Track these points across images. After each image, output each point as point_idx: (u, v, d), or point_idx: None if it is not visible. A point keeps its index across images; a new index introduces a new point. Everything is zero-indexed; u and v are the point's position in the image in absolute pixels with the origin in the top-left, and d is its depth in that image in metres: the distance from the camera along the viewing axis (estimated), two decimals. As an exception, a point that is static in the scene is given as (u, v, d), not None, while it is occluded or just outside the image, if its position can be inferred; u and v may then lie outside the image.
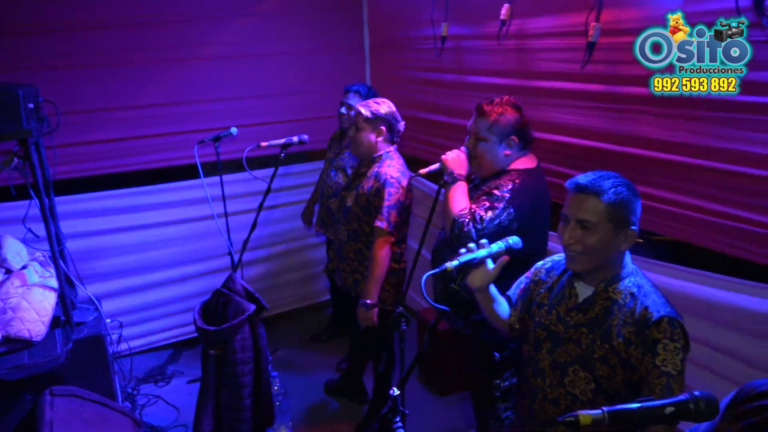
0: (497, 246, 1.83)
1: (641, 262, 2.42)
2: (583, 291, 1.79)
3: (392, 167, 3.01)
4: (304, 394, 3.81)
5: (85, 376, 2.98)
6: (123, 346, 3.70)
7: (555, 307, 1.85)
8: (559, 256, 1.94)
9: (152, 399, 3.77)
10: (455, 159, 2.45)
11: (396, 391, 1.69)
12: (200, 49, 3.93)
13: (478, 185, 2.55)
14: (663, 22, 2.11)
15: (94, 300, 3.22)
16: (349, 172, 3.53)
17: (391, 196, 2.92)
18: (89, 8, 3.54)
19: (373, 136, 3.02)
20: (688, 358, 1.68)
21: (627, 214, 1.68)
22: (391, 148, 3.09)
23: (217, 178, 3.43)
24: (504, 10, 2.85)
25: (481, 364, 2.61)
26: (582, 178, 1.73)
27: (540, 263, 2.02)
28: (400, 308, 2.23)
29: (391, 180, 2.94)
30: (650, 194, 2.32)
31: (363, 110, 3.00)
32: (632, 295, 1.71)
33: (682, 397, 1.02)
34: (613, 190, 1.67)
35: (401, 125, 3.09)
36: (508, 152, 2.42)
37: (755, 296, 2.01)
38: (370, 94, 3.64)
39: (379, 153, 3.05)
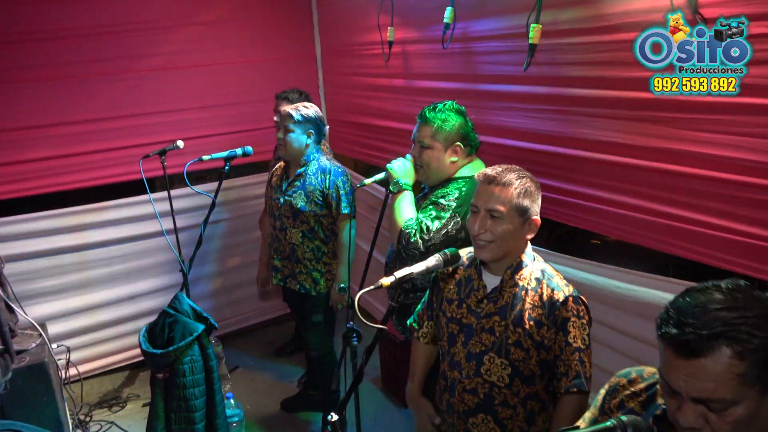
0: (435, 260, 1.78)
1: (593, 267, 2.41)
2: (491, 281, 1.87)
3: (330, 161, 3.21)
4: (263, 411, 3.71)
5: (28, 406, 2.87)
6: (72, 371, 3.57)
7: (465, 300, 1.91)
8: (462, 252, 1.97)
9: (105, 425, 3.64)
10: (400, 167, 2.40)
11: (333, 417, 1.60)
12: (141, 61, 3.81)
13: (426, 194, 2.50)
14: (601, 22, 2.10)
15: (37, 326, 3.09)
16: (273, 178, 3.49)
17: (345, 184, 3.13)
18: (22, 21, 3.39)
19: (303, 138, 3.13)
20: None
21: (531, 204, 1.80)
22: (318, 149, 3.22)
23: (165, 193, 3.32)
24: (447, 13, 2.80)
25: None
26: (490, 170, 1.84)
27: None
28: (350, 323, 2.17)
29: (338, 169, 3.15)
30: (596, 196, 2.29)
31: (293, 113, 3.10)
32: (537, 279, 1.82)
33: (607, 423, 0.97)
34: (519, 181, 1.79)
35: (326, 128, 3.25)
36: (454, 159, 2.38)
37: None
38: (301, 99, 3.62)
39: (308, 154, 3.17)
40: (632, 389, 1.28)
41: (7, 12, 3.35)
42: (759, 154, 1.73)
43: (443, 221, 2.26)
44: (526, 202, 1.79)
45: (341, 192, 3.10)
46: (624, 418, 0.97)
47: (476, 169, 2.42)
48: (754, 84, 1.70)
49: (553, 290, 1.78)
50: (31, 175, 3.59)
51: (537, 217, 1.83)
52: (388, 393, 3.77)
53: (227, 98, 4.15)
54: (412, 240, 2.25)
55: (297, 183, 3.17)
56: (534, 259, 1.88)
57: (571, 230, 3.57)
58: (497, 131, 2.69)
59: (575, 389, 1.73)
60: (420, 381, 2.21)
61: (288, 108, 3.14)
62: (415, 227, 2.26)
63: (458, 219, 2.26)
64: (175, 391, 2.75)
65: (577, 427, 0.97)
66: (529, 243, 1.88)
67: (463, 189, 2.32)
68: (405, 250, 2.28)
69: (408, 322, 2.23)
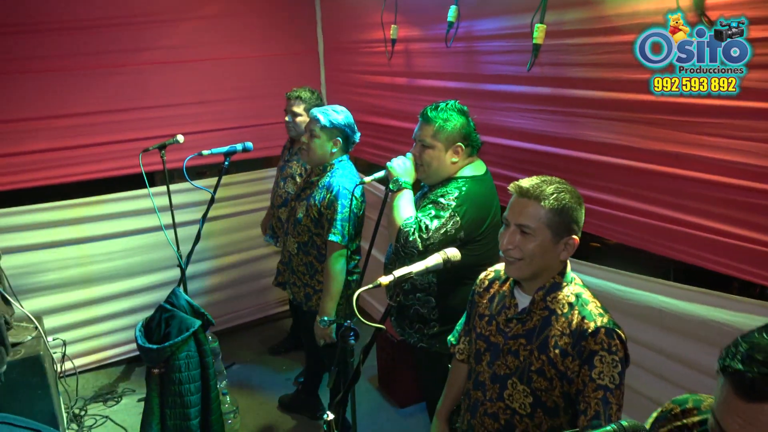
0: (435, 260, 1.75)
1: (594, 269, 2.39)
2: (522, 300, 1.73)
3: (345, 178, 2.87)
4: (258, 410, 3.69)
5: (23, 399, 2.87)
6: (68, 364, 3.56)
7: (495, 318, 1.78)
8: (501, 266, 1.87)
9: (100, 419, 3.62)
10: (400, 166, 2.38)
11: (329, 416, 1.59)
12: (144, 54, 3.78)
13: (426, 193, 2.48)
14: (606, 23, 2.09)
15: (33, 318, 3.07)
16: (298, 180, 3.40)
17: (344, 209, 2.78)
18: (22, 12, 3.37)
19: (328, 146, 2.88)
20: (628, 371, 1.62)
21: (568, 222, 1.63)
22: (344, 158, 2.97)
23: (164, 188, 3.31)
24: (451, 12, 2.79)
25: (436, 377, 2.54)
26: (525, 182, 1.67)
27: (483, 273, 1.95)
28: (348, 322, 2.16)
29: (344, 191, 2.80)
30: (598, 198, 2.28)
31: (321, 117, 2.85)
32: (570, 304, 1.65)
33: (607, 428, 0.95)
34: (554, 195, 1.61)
35: (358, 136, 2.96)
36: (454, 159, 2.36)
37: (705, 304, 1.98)
38: (313, 98, 3.50)
39: (331, 162, 2.93)
40: (684, 421, 1.17)
41: (8, 3, 3.33)
42: (761, 158, 1.72)
43: (442, 220, 2.24)
44: (561, 219, 1.62)
45: (337, 215, 2.78)
46: (624, 422, 0.95)
47: (477, 169, 2.41)
48: (756, 87, 1.69)
49: (584, 318, 1.61)
50: (30, 167, 3.57)
51: (576, 237, 1.66)
52: (384, 393, 3.76)
53: (228, 93, 4.12)
54: (411, 239, 2.23)
55: (307, 191, 2.98)
56: (572, 281, 1.71)
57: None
58: (499, 131, 2.68)
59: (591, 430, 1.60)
60: (449, 404, 2.09)
61: (317, 111, 2.88)
62: (414, 226, 2.24)
63: (457, 218, 2.24)
64: (171, 387, 2.73)
65: (577, 428, 0.95)
66: (568, 263, 1.73)
67: (463, 188, 2.30)
68: (403, 249, 2.26)
69: (449, 338, 2.10)
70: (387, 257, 2.61)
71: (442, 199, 2.28)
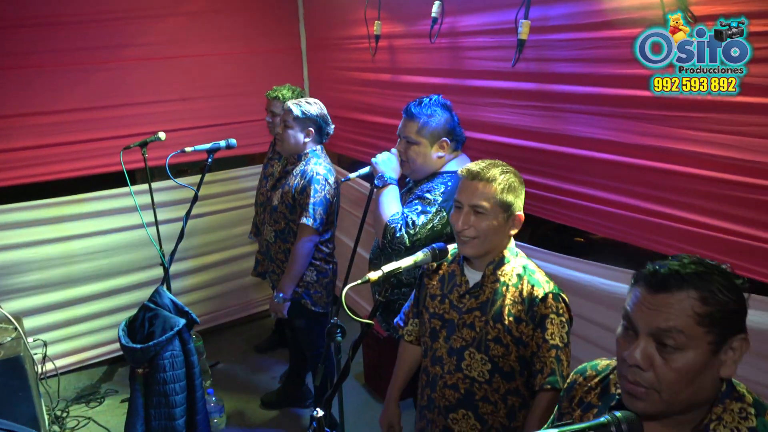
0: (423, 255, 1.76)
1: (579, 264, 2.41)
2: (473, 276, 1.86)
3: (319, 165, 2.99)
4: (244, 407, 3.67)
5: (3, 401, 2.84)
6: (49, 365, 3.50)
7: (447, 296, 1.90)
8: (449, 247, 1.96)
9: (83, 421, 3.58)
10: (385, 162, 2.38)
11: (318, 413, 1.58)
12: (124, 51, 3.72)
13: (411, 188, 2.48)
14: (591, 18, 2.10)
15: (12, 319, 3.02)
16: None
17: (317, 193, 2.91)
18: (1, 7, 3.30)
19: (301, 136, 2.99)
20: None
21: (515, 200, 1.79)
22: (318, 147, 3.07)
23: (146, 186, 3.27)
24: (435, 8, 2.78)
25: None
26: (474, 165, 1.82)
27: None
28: (334, 319, 2.15)
29: (318, 177, 2.93)
30: (584, 193, 2.29)
31: (294, 108, 2.96)
32: (518, 275, 1.81)
33: (601, 419, 0.96)
34: (503, 176, 1.78)
35: (331, 128, 3.08)
36: (440, 154, 2.36)
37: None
38: (293, 96, 3.49)
39: (306, 151, 3.03)
40: (588, 384, 1.31)
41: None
42: (755, 153, 1.72)
43: (429, 216, 2.24)
44: (510, 198, 1.78)
45: (309, 200, 2.89)
46: (618, 414, 0.96)
47: (463, 164, 2.40)
48: (753, 83, 1.70)
49: (533, 286, 1.78)
50: (10, 165, 3.49)
51: (521, 213, 1.82)
52: (371, 389, 3.76)
53: (210, 90, 4.08)
54: (398, 235, 2.23)
55: (282, 180, 3.10)
56: (516, 255, 1.87)
57: (555, 227, 3.58)
58: (485, 127, 2.68)
59: (549, 386, 1.74)
60: (400, 384, 2.21)
61: (290, 103, 3.00)
62: (401, 222, 2.24)
63: (444, 214, 2.25)
64: (156, 387, 2.70)
65: (569, 423, 0.95)
66: (512, 239, 1.88)
67: (449, 183, 2.30)
68: (390, 245, 2.26)
69: (395, 320, 2.20)
70: (372, 252, 2.60)
71: (428, 195, 2.28)
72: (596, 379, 1.31)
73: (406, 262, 1.73)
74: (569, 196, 2.36)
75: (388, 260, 1.85)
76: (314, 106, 2.99)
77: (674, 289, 1.03)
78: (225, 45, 4.09)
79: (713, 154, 1.82)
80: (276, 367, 4.07)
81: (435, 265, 1.97)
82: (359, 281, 1.66)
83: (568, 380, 1.38)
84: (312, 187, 2.90)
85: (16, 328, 3.00)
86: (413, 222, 2.23)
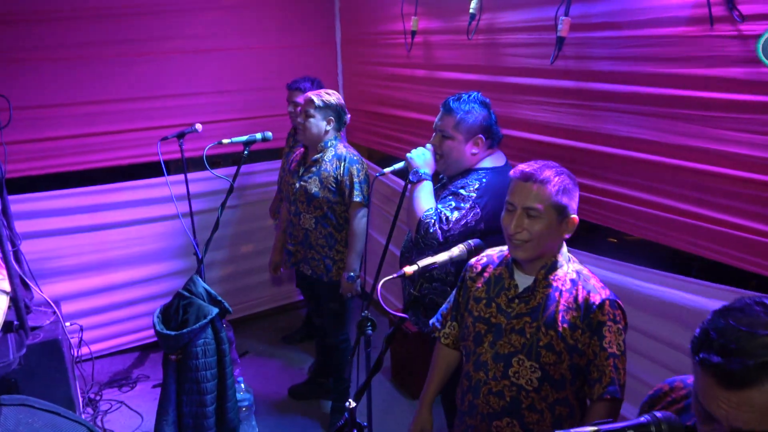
0: (459, 250, 1.76)
1: (612, 264, 2.38)
2: (523, 280, 1.80)
3: (349, 148, 3.21)
4: (272, 397, 3.72)
5: (41, 382, 2.89)
6: (84, 350, 3.59)
7: (494, 299, 1.84)
8: (492, 251, 1.95)
9: (115, 404, 3.66)
10: (420, 157, 2.38)
11: (352, 404, 1.59)
12: (163, 44, 3.79)
13: (445, 184, 2.48)
14: (634, 16, 2.07)
15: (51, 303, 3.10)
16: (291, 164, 3.45)
17: (360, 172, 3.11)
18: (44, 1, 3.38)
19: (323, 124, 3.12)
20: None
21: (569, 202, 1.73)
22: (339, 135, 3.22)
23: (181, 176, 3.33)
24: (472, 4, 2.77)
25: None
26: (527, 167, 1.75)
27: (474, 259, 1.98)
28: (365, 312, 2.16)
29: (355, 157, 3.14)
30: (620, 193, 2.27)
31: (315, 98, 3.09)
32: (572, 281, 1.75)
33: (642, 419, 0.95)
34: (557, 178, 1.72)
35: (348, 117, 3.22)
36: (475, 151, 2.35)
37: (727, 301, 1.96)
38: (314, 87, 3.60)
39: (330, 139, 3.17)
40: (673, 396, 1.24)
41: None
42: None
43: (463, 212, 2.24)
44: (564, 200, 1.71)
45: (354, 179, 3.08)
46: (659, 414, 0.95)
47: (497, 160, 2.41)
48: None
49: (589, 293, 1.71)
50: (50, 154, 3.59)
51: (575, 216, 1.75)
52: (398, 385, 3.77)
53: (245, 83, 4.13)
54: (431, 230, 2.23)
55: (313, 169, 3.16)
56: (569, 260, 1.81)
57: (587, 227, 3.54)
58: (521, 125, 2.66)
59: (609, 396, 1.67)
60: (435, 388, 2.13)
61: (311, 93, 3.12)
62: (435, 217, 2.24)
63: (478, 210, 2.24)
64: (188, 374, 2.75)
65: (610, 421, 0.95)
66: (564, 243, 1.81)
67: (484, 180, 2.29)
68: (423, 240, 2.26)
69: (431, 321, 2.15)
70: (404, 247, 2.61)
71: (462, 191, 2.28)
72: (682, 392, 1.23)
73: (441, 257, 1.74)
74: (605, 195, 2.34)
75: (421, 255, 1.86)
76: (333, 96, 3.13)
77: (753, 384, 0.90)
78: (261, 39, 4.13)
79: (755, 155, 1.78)
80: (304, 359, 4.11)
81: (480, 267, 1.93)
82: (395, 275, 1.67)
83: (655, 387, 1.30)
84: (355, 167, 3.10)
85: (54, 312, 3.08)
86: (447, 218, 2.23)
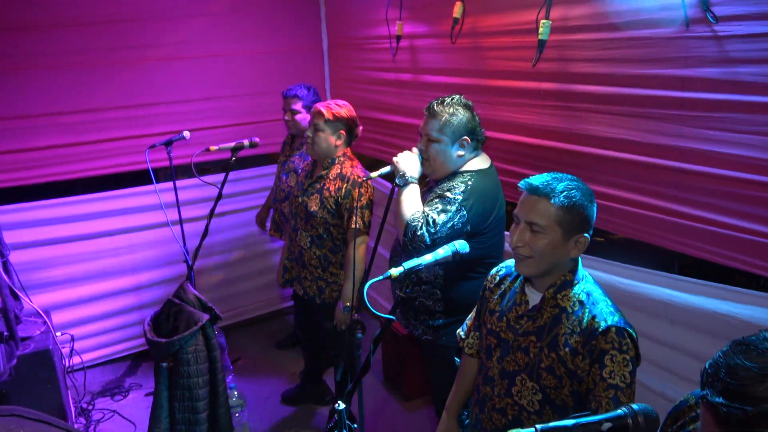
0: (444, 251, 1.78)
1: (598, 263, 2.41)
2: (533, 297, 1.73)
3: (356, 168, 2.99)
4: (265, 403, 3.72)
5: (32, 392, 2.89)
6: (76, 359, 3.59)
7: (506, 314, 1.78)
8: (512, 261, 1.86)
9: (108, 414, 3.65)
10: (406, 161, 2.40)
11: (341, 405, 1.61)
12: (149, 51, 3.79)
13: (432, 187, 2.50)
14: (612, 19, 2.11)
15: (42, 313, 3.10)
16: (300, 173, 3.43)
17: (362, 197, 2.91)
18: (29, 8, 3.38)
19: (332, 139, 2.96)
20: (639, 367, 1.63)
21: (579, 220, 1.61)
22: (348, 150, 3.06)
23: (170, 184, 3.34)
24: (456, 8, 2.81)
25: (441, 369, 2.57)
26: (535, 179, 1.66)
27: (494, 269, 1.96)
28: (356, 315, 2.18)
29: (360, 180, 2.91)
30: (603, 193, 2.30)
31: (324, 111, 2.93)
32: (581, 302, 1.64)
33: (618, 411, 0.97)
34: (565, 193, 1.59)
35: (359, 130, 3.06)
36: (461, 153, 2.38)
37: (711, 297, 2.00)
38: (310, 94, 3.56)
39: (338, 155, 3.01)
40: (696, 411, 1.19)
41: (13, 1, 3.34)
42: (764, 151, 1.73)
43: (449, 214, 2.26)
44: (572, 217, 1.60)
45: (356, 204, 2.89)
46: (635, 406, 0.98)
47: (482, 162, 2.43)
48: (757, 82, 1.71)
49: (594, 317, 1.59)
50: (38, 163, 3.59)
51: (587, 235, 1.63)
52: (390, 387, 3.78)
53: (233, 90, 4.14)
54: (419, 233, 2.25)
55: (317, 185, 3.04)
56: (584, 279, 1.70)
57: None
58: (505, 127, 2.70)
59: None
60: (460, 398, 2.07)
61: (320, 105, 2.97)
62: (422, 220, 2.26)
63: (464, 212, 2.26)
64: (180, 380, 2.76)
65: (588, 414, 0.97)
66: (580, 261, 1.72)
67: (470, 182, 2.32)
68: (411, 243, 2.28)
69: (457, 331, 2.11)
70: (393, 251, 2.63)
71: (448, 194, 2.30)
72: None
73: (426, 258, 1.76)
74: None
75: (409, 258, 1.87)
76: (344, 109, 2.97)
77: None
78: (247, 45, 4.14)
79: (733, 153, 1.82)
80: (296, 364, 4.11)
81: (498, 278, 1.89)
82: (380, 277, 1.69)
83: (682, 399, 1.25)
84: (356, 191, 2.89)
85: (45, 322, 3.08)
86: (434, 221, 2.25)
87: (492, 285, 1.90)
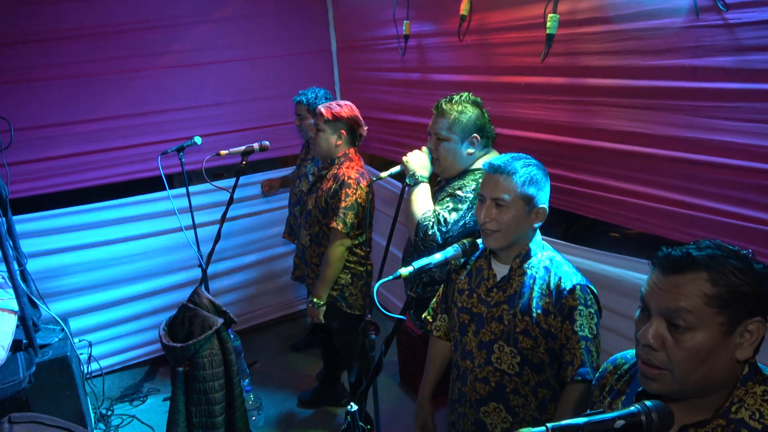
0: (453, 249, 1.77)
1: (609, 257, 2.38)
2: (500, 270, 1.88)
3: (351, 168, 2.99)
4: (282, 406, 3.73)
5: (51, 399, 2.92)
6: (94, 365, 3.62)
7: (475, 290, 1.92)
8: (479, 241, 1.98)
9: (127, 419, 3.68)
10: (416, 160, 2.39)
11: (353, 407, 1.60)
12: (160, 59, 3.82)
13: (443, 186, 2.49)
14: (621, 10, 2.08)
15: (59, 320, 3.13)
16: (311, 178, 3.44)
17: (348, 197, 2.90)
18: (41, 21, 3.42)
19: (333, 139, 2.99)
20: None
21: (538, 192, 1.79)
22: (351, 150, 3.07)
23: (183, 190, 3.36)
24: (463, 5, 2.79)
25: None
26: (496, 159, 1.83)
27: None
28: (368, 316, 2.18)
29: (349, 181, 2.91)
30: (616, 187, 2.26)
31: (324, 112, 2.97)
32: (546, 268, 1.82)
33: (632, 408, 0.96)
34: (525, 169, 1.78)
35: (364, 129, 3.06)
36: (470, 151, 2.37)
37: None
38: (318, 96, 3.55)
39: (339, 155, 3.03)
40: (618, 372, 1.34)
41: (27, 12, 3.39)
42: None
43: (461, 213, 2.25)
44: (532, 191, 1.78)
45: (341, 204, 2.89)
46: (649, 403, 0.96)
47: (493, 160, 2.42)
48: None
49: (560, 278, 1.78)
50: (52, 173, 3.63)
51: (545, 206, 1.82)
52: (406, 387, 3.77)
53: (243, 95, 4.15)
54: (430, 232, 2.24)
55: (318, 184, 3.10)
56: (543, 248, 1.88)
57: (590, 223, 3.54)
58: (515, 123, 2.67)
59: (580, 378, 1.74)
60: (432, 380, 2.22)
61: (321, 106, 3.01)
62: (433, 219, 2.25)
63: (475, 210, 2.25)
64: (195, 384, 2.77)
65: (600, 412, 0.95)
66: (538, 232, 1.88)
67: (480, 180, 2.30)
68: (423, 243, 2.27)
69: (423, 315, 2.22)
70: (405, 251, 2.62)
71: (459, 192, 2.29)
72: (626, 366, 1.33)
73: (436, 257, 1.75)
74: (602, 190, 2.34)
75: (421, 257, 1.87)
76: (344, 108, 2.99)
77: (685, 271, 1.07)
78: (257, 49, 4.15)
79: (747, 143, 1.78)
80: (313, 366, 4.12)
81: (462, 260, 1.98)
82: (390, 277, 1.69)
83: (600, 369, 1.40)
84: (343, 191, 2.89)
85: (63, 329, 3.11)
86: (445, 219, 2.24)
87: (456, 267, 2.03)
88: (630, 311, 2.26)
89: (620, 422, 0.94)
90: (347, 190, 2.90)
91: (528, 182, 1.77)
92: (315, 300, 3.05)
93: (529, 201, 1.78)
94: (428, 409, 2.19)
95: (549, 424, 0.92)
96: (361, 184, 2.93)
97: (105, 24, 3.61)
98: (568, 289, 1.75)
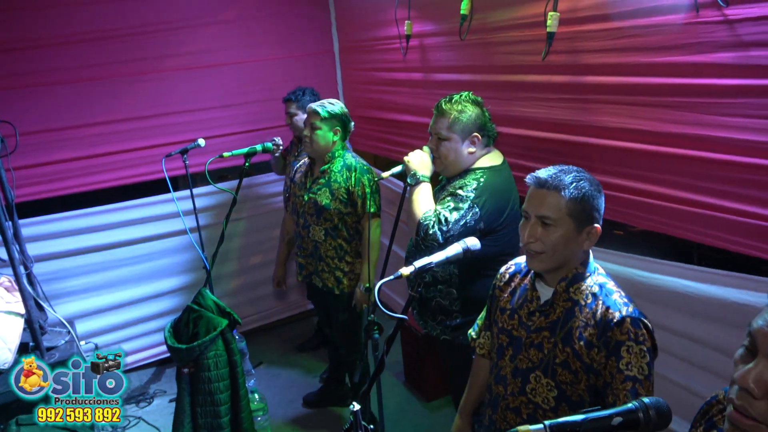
0: (454, 249, 1.76)
1: (616, 256, 2.38)
2: (544, 292, 1.69)
3: (357, 158, 3.18)
4: (287, 406, 3.73)
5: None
6: (101, 368, 3.63)
7: (517, 311, 1.75)
8: (521, 259, 1.84)
9: (133, 420, 3.69)
10: (417, 159, 2.39)
11: (356, 407, 1.61)
12: (162, 62, 3.83)
13: (444, 185, 2.49)
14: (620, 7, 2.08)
15: (66, 323, 3.15)
16: (295, 176, 3.46)
17: (371, 182, 3.09)
18: (46, 25, 3.45)
19: (330, 135, 3.10)
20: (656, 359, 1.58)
21: (589, 211, 1.59)
22: (346, 144, 3.20)
23: (187, 192, 3.37)
24: (465, 5, 2.79)
25: (460, 369, 2.55)
26: (542, 172, 1.63)
27: (504, 267, 1.93)
28: (372, 316, 2.18)
29: (365, 167, 3.11)
30: (619, 185, 2.26)
31: (319, 110, 3.06)
32: (594, 295, 1.60)
33: (629, 405, 0.95)
34: (574, 185, 1.57)
35: (352, 125, 3.20)
36: (471, 150, 2.36)
37: (729, 287, 1.95)
38: (306, 96, 3.67)
39: (336, 149, 3.14)
40: (724, 404, 1.11)
41: (33, 16, 3.42)
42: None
43: (462, 212, 2.24)
44: (583, 209, 1.58)
45: (367, 190, 3.06)
46: (646, 399, 0.95)
47: (494, 159, 2.41)
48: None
49: (608, 308, 1.56)
50: (57, 177, 3.65)
51: (598, 225, 1.61)
52: (411, 387, 3.77)
53: (247, 96, 4.17)
54: (431, 232, 2.24)
55: (322, 180, 3.13)
56: (595, 271, 1.67)
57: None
58: (517, 122, 2.67)
59: None
60: (473, 399, 2.05)
61: (314, 105, 3.09)
62: (434, 219, 2.25)
63: (477, 210, 2.25)
64: (201, 386, 2.78)
65: (598, 409, 0.95)
66: (590, 254, 1.69)
67: (482, 179, 2.30)
68: (424, 242, 2.27)
69: (469, 332, 2.09)
70: (408, 250, 2.62)
71: (460, 191, 2.29)
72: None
73: (437, 257, 1.74)
74: (606, 188, 2.31)
75: (422, 257, 1.86)
76: (336, 105, 3.11)
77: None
78: (260, 51, 4.17)
79: (750, 139, 1.78)
80: (318, 367, 4.12)
81: (508, 275, 1.86)
82: (392, 277, 1.68)
83: (711, 395, 1.21)
84: (366, 177, 3.08)
85: (69, 332, 3.13)
86: (446, 219, 2.23)
87: (501, 283, 1.87)
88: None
89: (618, 419, 0.94)
90: (368, 176, 3.09)
91: (579, 199, 1.57)
92: (366, 285, 3.11)
93: (579, 220, 1.58)
94: (466, 428, 2.07)
95: (547, 422, 0.92)
96: (372, 169, 3.15)
97: (108, 28, 3.63)
98: (616, 320, 1.53)
